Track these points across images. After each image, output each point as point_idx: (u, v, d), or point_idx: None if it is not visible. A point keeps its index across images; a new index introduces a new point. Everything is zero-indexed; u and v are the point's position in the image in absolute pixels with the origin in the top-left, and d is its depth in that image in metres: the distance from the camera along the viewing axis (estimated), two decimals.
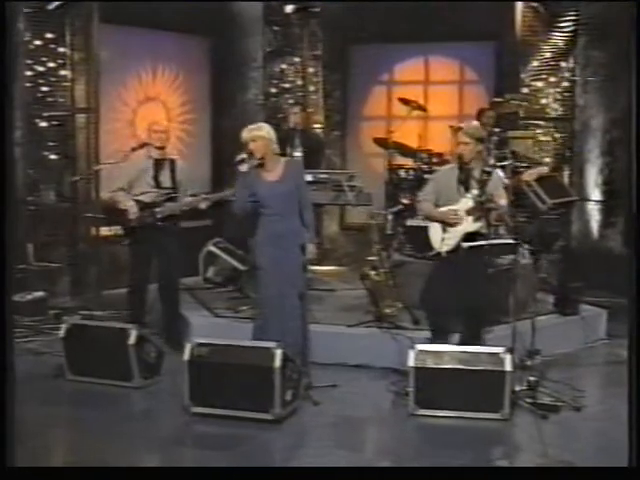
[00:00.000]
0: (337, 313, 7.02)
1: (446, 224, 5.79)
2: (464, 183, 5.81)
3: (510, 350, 5.41)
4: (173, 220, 6.67)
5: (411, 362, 5.43)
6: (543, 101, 8.97)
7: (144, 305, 6.80)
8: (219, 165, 9.31)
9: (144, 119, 8.18)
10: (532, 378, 5.66)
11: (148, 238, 6.60)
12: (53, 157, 7.93)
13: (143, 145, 6.59)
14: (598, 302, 7.40)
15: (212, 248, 7.95)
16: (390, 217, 7.36)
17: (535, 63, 8.97)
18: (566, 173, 8.94)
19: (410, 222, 7.07)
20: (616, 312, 7.00)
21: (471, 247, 5.67)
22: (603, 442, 5.08)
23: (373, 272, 6.62)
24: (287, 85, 9.46)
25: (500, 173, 5.93)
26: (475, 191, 5.70)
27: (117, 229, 6.79)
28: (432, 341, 5.84)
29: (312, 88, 9.63)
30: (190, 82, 9.28)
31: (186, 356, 5.39)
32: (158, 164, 6.66)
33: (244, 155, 5.71)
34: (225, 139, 9.12)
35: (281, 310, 5.80)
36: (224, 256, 7.88)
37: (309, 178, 7.02)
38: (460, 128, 5.92)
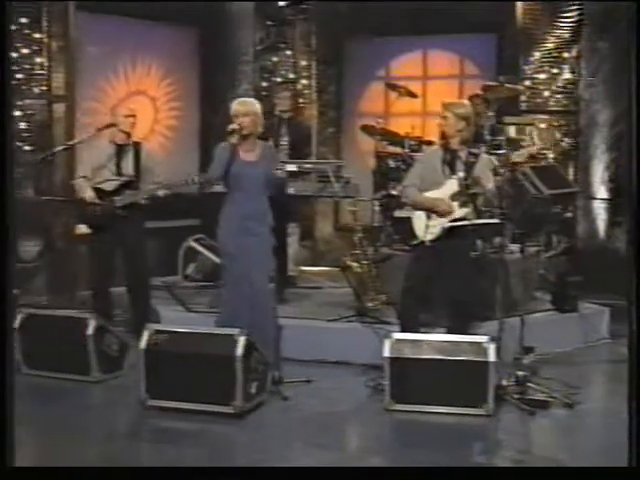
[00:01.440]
0: (319, 308, 6.78)
1: (433, 212, 5.45)
2: (449, 165, 5.47)
3: (494, 339, 5.01)
4: (136, 210, 6.35)
5: (386, 352, 5.08)
6: (546, 94, 8.59)
7: (109, 305, 6.50)
8: (208, 161, 8.90)
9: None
10: (521, 373, 5.25)
11: (109, 230, 6.31)
12: (27, 149, 7.62)
13: (110, 125, 6.32)
14: (604, 303, 6.98)
15: (192, 244, 7.74)
16: (377, 209, 7.04)
17: (537, 55, 8.63)
18: (571, 170, 8.54)
19: (398, 213, 6.68)
20: (621, 313, 6.55)
21: (453, 228, 5.29)
22: (597, 441, 4.73)
23: (355, 264, 6.35)
24: (279, 79, 9.17)
25: (485, 156, 5.54)
26: (461, 174, 5.36)
27: (82, 228, 6.44)
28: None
29: (305, 83, 9.41)
30: (178, 76, 9.03)
31: (142, 344, 5.07)
32: (121, 149, 6.38)
33: (235, 126, 5.42)
34: (214, 135, 8.79)
35: (249, 299, 5.47)
36: (205, 252, 7.63)
37: (293, 168, 6.78)
38: (443, 104, 5.55)
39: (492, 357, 4.93)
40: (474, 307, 5.57)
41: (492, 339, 5.01)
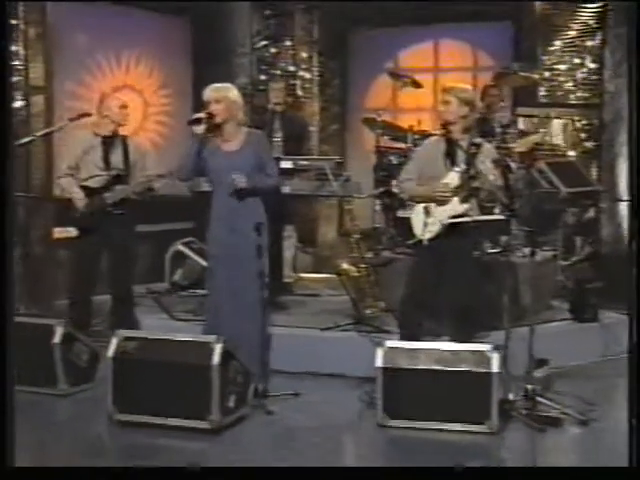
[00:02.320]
0: (314, 317, 6.65)
1: (434, 201, 5.27)
2: (450, 156, 5.30)
3: (498, 348, 4.79)
4: (126, 207, 6.22)
5: (379, 362, 4.87)
6: (567, 86, 8.37)
7: (88, 314, 6.34)
8: None
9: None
10: (530, 386, 5.01)
11: (96, 230, 6.15)
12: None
13: (83, 115, 6.20)
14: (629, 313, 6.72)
15: (181, 248, 7.62)
16: (378, 208, 6.88)
17: (558, 44, 8.43)
18: (594, 168, 8.31)
19: (401, 213, 6.47)
20: None
21: (453, 226, 5.11)
22: (613, 463, 4.41)
23: (352, 268, 6.25)
24: (278, 72, 9.07)
25: (488, 145, 5.36)
26: (463, 165, 5.20)
27: (70, 231, 6.24)
28: None
29: (307, 76, 9.28)
30: (170, 68, 8.94)
31: (110, 352, 4.91)
32: (107, 142, 6.25)
33: (202, 115, 5.27)
34: None
35: (234, 304, 5.32)
36: (194, 256, 7.50)
37: (288, 165, 6.73)
38: (442, 89, 5.39)
39: (496, 367, 4.71)
40: (479, 314, 5.37)
41: (496, 347, 4.79)
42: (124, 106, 6.25)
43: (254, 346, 5.22)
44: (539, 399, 5.01)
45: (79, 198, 6.12)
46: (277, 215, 6.40)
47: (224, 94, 5.33)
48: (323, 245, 9.24)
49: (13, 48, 7.39)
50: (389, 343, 4.93)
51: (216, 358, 4.69)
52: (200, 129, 5.25)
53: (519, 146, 5.65)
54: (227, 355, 4.77)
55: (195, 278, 7.35)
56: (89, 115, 6.21)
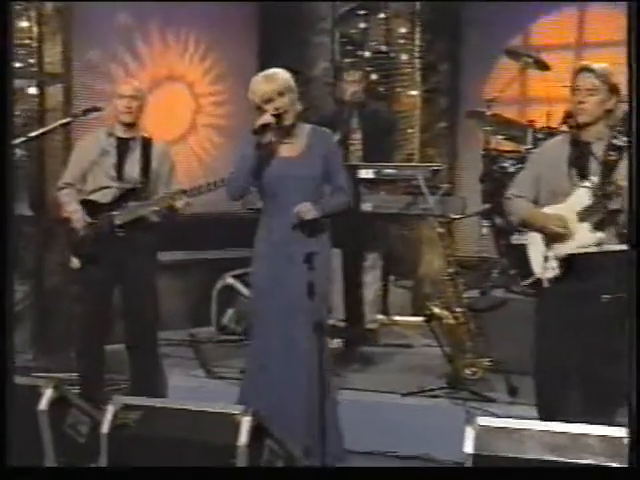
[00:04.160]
0: (398, 376, 6.58)
1: (547, 235, 4.97)
2: (578, 165, 4.90)
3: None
4: (143, 231, 6.03)
5: (468, 447, 4.42)
6: None
7: (100, 372, 6.25)
8: None
9: (158, 107, 7.76)
10: None
11: (103, 259, 6.00)
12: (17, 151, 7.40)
13: (90, 110, 6.13)
14: None
15: (231, 281, 7.70)
16: (485, 231, 6.78)
17: None
18: None
19: (516, 239, 6.19)
20: None
21: (577, 259, 4.79)
22: None
23: (445, 312, 6.09)
24: (367, 54, 9.00)
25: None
26: (595, 178, 4.82)
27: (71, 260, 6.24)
28: None
29: (404, 58, 9.07)
30: (228, 54, 8.99)
31: (105, 426, 4.65)
32: (123, 146, 6.10)
33: (270, 118, 5.09)
34: None
35: (283, 359, 5.18)
36: (248, 293, 7.29)
37: (369, 175, 6.58)
38: (582, 68, 4.96)
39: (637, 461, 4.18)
40: (617, 384, 4.88)
41: None
42: (131, 95, 6.02)
43: (304, 417, 5.09)
44: None
45: (76, 217, 5.98)
46: (354, 239, 6.49)
47: (285, 82, 5.20)
48: (426, 278, 8.95)
49: (23, 24, 7.48)
50: (482, 421, 4.46)
51: (243, 436, 4.38)
52: (267, 138, 5.11)
53: None
54: (259, 432, 4.46)
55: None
56: (98, 110, 6.14)
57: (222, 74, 8.93)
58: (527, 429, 4.44)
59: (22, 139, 5.87)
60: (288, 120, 5.15)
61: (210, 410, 4.62)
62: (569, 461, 4.28)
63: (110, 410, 4.66)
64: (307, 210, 5.05)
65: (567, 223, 4.85)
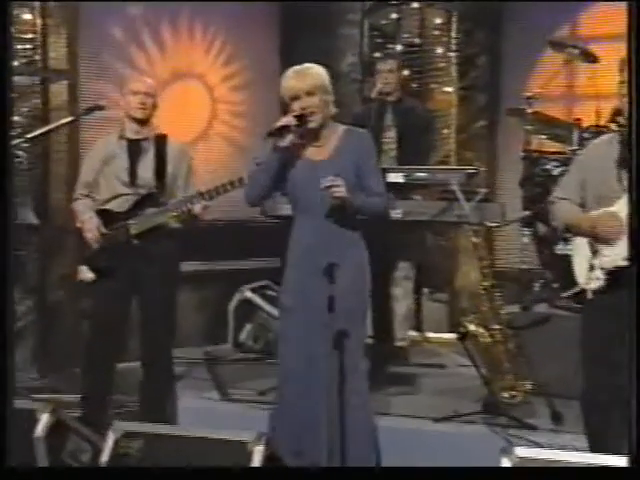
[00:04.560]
0: (431, 399, 6.55)
1: (597, 238, 4.82)
2: (627, 166, 4.69)
3: None
4: (160, 240, 5.94)
5: None
6: None
7: (108, 393, 6.15)
8: None
9: (172, 106, 7.74)
10: None
11: (118, 271, 5.93)
12: (20, 154, 7.49)
13: (93, 109, 6.07)
14: None
15: (250, 295, 7.72)
16: (526, 240, 6.70)
17: None
18: None
19: (560, 248, 6.25)
20: None
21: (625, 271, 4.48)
22: None
23: (481, 330, 6.00)
24: (399, 47, 8.97)
25: None
26: None
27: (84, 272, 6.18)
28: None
29: (439, 52, 9.02)
30: (248, 49, 9.02)
31: (104, 454, 4.53)
32: (134, 148, 6.01)
33: (291, 120, 4.87)
34: None
35: (312, 380, 5.01)
36: (268, 308, 7.51)
37: (398, 179, 6.45)
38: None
39: None
40: None
41: None
42: (143, 92, 5.95)
43: (333, 442, 4.87)
44: None
45: (89, 228, 5.94)
46: (382, 248, 6.22)
47: (317, 81, 4.94)
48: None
49: (26, 16, 7.46)
50: (521, 451, 4.30)
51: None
52: (287, 141, 4.88)
53: None
54: (273, 461, 4.33)
55: (270, 338, 7.35)
56: (101, 108, 6.08)
57: (245, 83, 9.01)
58: (567, 460, 4.32)
59: (21, 139, 5.85)
60: (315, 122, 4.95)
61: (217, 437, 4.50)
62: None
63: (111, 437, 4.56)
64: (338, 187, 4.80)
65: (622, 220, 4.71)
